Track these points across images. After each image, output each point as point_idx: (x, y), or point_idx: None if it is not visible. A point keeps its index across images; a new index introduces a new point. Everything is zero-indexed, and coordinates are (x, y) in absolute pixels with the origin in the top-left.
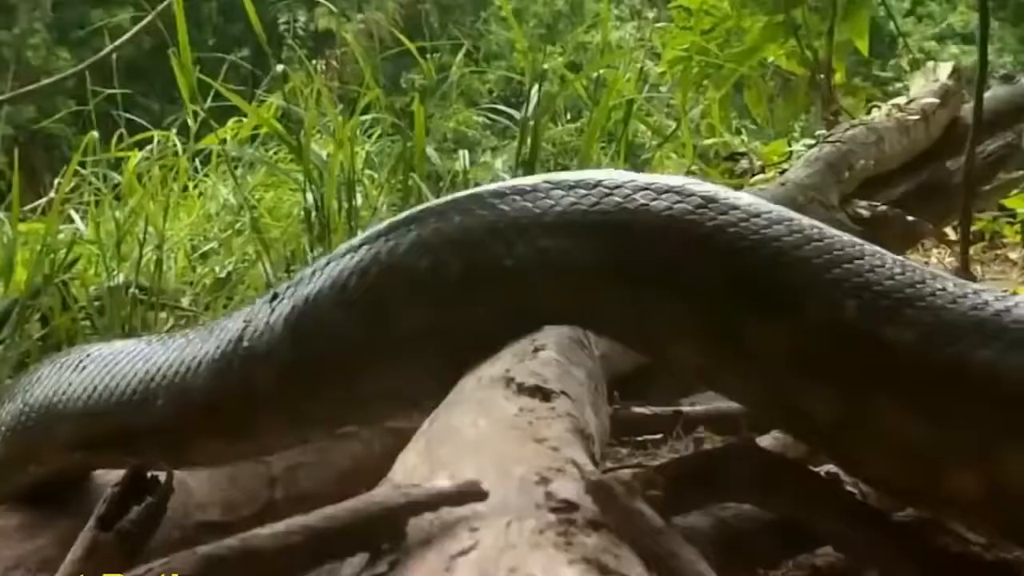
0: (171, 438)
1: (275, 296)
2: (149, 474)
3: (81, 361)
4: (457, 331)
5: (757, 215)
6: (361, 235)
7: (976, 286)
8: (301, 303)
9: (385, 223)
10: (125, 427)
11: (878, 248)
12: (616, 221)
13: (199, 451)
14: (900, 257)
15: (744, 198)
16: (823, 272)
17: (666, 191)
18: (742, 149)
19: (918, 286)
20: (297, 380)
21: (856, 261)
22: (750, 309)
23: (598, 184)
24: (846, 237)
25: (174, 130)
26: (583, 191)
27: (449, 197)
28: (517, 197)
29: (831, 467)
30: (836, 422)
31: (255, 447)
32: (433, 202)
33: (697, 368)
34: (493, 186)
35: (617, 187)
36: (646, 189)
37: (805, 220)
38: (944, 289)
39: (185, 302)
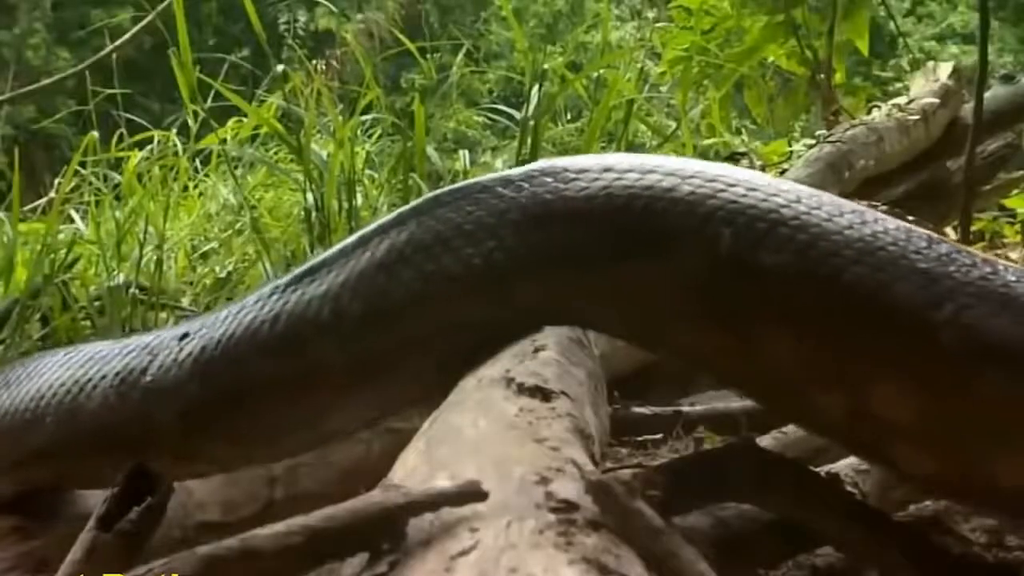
0: (58, 459)
1: (185, 335)
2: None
3: None
4: (363, 371)
5: (630, 170)
6: (270, 285)
7: (856, 206)
8: (212, 345)
9: (288, 276)
10: (16, 447)
11: (754, 173)
12: (494, 223)
13: (87, 473)
14: (779, 179)
15: (615, 158)
16: (697, 207)
17: (533, 177)
18: (742, 149)
19: (793, 205)
20: (201, 419)
21: (732, 188)
22: (635, 263)
23: (473, 191)
24: (720, 168)
25: (174, 130)
26: (464, 203)
27: (342, 243)
28: (399, 228)
29: (831, 467)
30: (725, 350)
31: None
32: (334, 249)
33: (612, 334)
34: (383, 220)
35: (484, 189)
36: (511, 183)
37: (673, 161)
38: (820, 208)
39: (185, 302)
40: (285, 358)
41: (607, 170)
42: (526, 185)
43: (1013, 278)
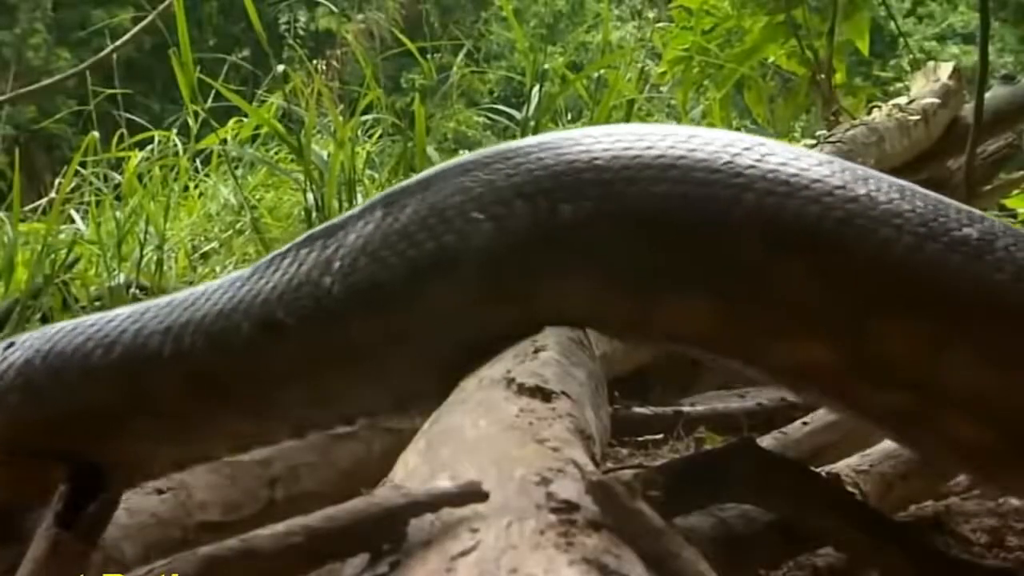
0: None
1: (10, 345)
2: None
3: None
4: (191, 404)
5: (441, 179)
6: (106, 314)
7: (658, 127)
8: (39, 360)
9: (133, 308)
10: None
11: (563, 132)
12: (330, 265)
13: None
14: (584, 129)
15: (431, 174)
16: (503, 192)
17: (367, 211)
18: None
19: (592, 147)
20: (20, 432)
21: (535, 155)
22: (466, 265)
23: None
24: (527, 141)
25: (175, 130)
26: (294, 259)
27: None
28: (240, 283)
29: (831, 467)
30: (548, 315)
31: None
32: (188, 291)
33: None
34: (250, 269)
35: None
36: (340, 228)
37: (490, 151)
38: (619, 140)
39: None
40: (115, 386)
41: (424, 189)
42: (360, 222)
43: (815, 161)
